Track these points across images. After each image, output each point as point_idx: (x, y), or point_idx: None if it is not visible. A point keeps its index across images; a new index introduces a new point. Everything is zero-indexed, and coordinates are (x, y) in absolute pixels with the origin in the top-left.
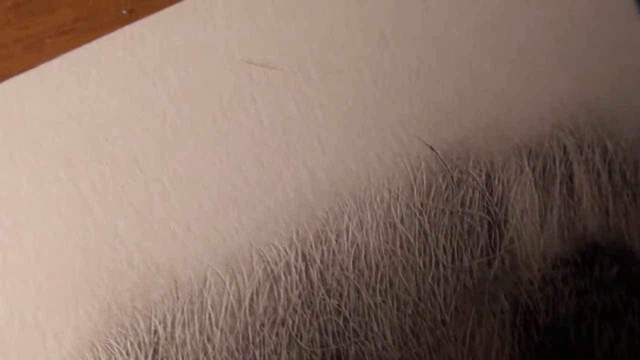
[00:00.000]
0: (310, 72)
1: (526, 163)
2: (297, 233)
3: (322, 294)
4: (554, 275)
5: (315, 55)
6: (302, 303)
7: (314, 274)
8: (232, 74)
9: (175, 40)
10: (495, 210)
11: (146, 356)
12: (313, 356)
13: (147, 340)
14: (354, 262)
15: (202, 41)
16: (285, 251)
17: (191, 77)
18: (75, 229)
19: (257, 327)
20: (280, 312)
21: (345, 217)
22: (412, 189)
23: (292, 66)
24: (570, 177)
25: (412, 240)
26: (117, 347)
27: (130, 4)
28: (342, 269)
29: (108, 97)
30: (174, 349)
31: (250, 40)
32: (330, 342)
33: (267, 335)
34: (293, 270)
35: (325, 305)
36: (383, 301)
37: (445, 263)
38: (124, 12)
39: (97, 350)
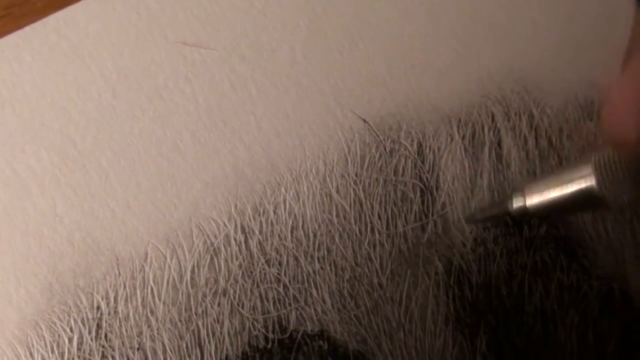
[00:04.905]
0: (244, 51)
1: (456, 131)
2: (236, 206)
3: (262, 264)
4: (485, 237)
5: (248, 35)
6: (243, 273)
7: (254, 245)
8: (167, 55)
9: (109, 23)
10: (427, 178)
11: (90, 331)
12: (255, 323)
13: (90, 316)
14: (292, 232)
15: (135, 24)
16: (225, 224)
17: (126, 59)
18: (14, 212)
19: (199, 298)
20: (222, 282)
21: (282, 190)
22: (347, 160)
23: (225, 46)
24: (499, 144)
25: (347, 208)
26: (60, 325)
27: None
28: (280, 238)
29: (43, 82)
30: (118, 323)
31: (183, 21)
32: (272, 309)
33: (209, 305)
34: (233, 242)
35: (265, 274)
36: (321, 268)
37: (380, 229)
38: None
39: (41, 329)
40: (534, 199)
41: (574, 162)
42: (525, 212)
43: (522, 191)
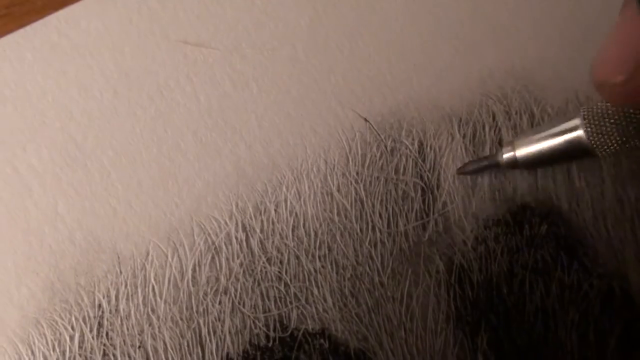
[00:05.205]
0: (245, 50)
1: (457, 130)
2: (237, 205)
3: (263, 262)
4: (486, 235)
5: (249, 34)
6: (244, 271)
7: (255, 244)
8: (168, 54)
9: (110, 22)
10: (428, 176)
11: (91, 330)
12: (256, 322)
13: (91, 315)
14: (293, 231)
15: (136, 23)
16: (226, 223)
17: (127, 58)
18: (15, 211)
19: (200, 297)
20: (223, 281)
21: (284, 188)
22: (348, 159)
23: (227, 45)
24: (500, 142)
25: (348, 207)
26: (61, 323)
27: None
28: (281, 237)
29: (44, 81)
30: (119, 321)
31: (184, 20)
32: (273, 307)
33: (210, 303)
34: (234, 240)
35: (266, 272)
36: (322, 266)
37: (381, 228)
38: None
39: (42, 327)
40: (523, 150)
41: (563, 114)
42: (514, 162)
43: (511, 142)
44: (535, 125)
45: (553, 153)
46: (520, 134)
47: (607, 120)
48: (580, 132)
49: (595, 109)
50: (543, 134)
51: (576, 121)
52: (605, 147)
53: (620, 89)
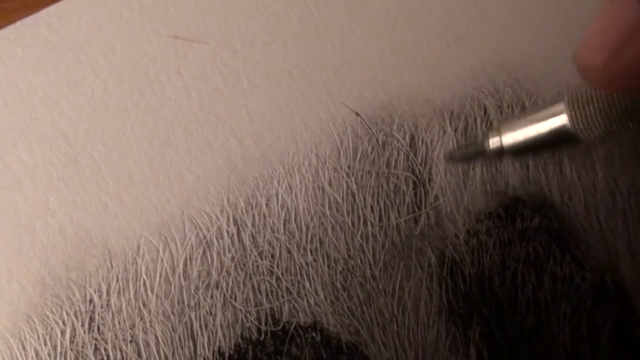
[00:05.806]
0: (236, 44)
1: (448, 124)
2: (228, 199)
3: (255, 256)
4: (478, 229)
5: (240, 28)
6: (235, 266)
7: (246, 238)
8: (159, 49)
9: (101, 18)
10: (419, 170)
11: (82, 324)
12: (248, 315)
13: (83, 309)
14: (284, 225)
15: (126, 18)
16: (217, 217)
17: (117, 53)
18: (6, 206)
19: (192, 291)
20: (214, 275)
21: (275, 182)
22: (339, 153)
23: (217, 39)
24: (487, 129)
25: (340, 201)
26: (53, 317)
27: None
28: (273, 231)
29: (35, 77)
30: (110, 316)
31: (175, 15)
32: (264, 301)
33: (201, 297)
34: (225, 234)
35: (258, 266)
36: (314, 260)
37: (373, 221)
38: None
39: (34, 322)
40: (509, 137)
41: (548, 100)
42: (501, 150)
43: (498, 129)
44: (521, 112)
45: (538, 139)
46: (505, 120)
47: (590, 105)
48: (564, 117)
49: (579, 94)
50: (528, 119)
51: (560, 106)
52: (590, 132)
53: (602, 71)
